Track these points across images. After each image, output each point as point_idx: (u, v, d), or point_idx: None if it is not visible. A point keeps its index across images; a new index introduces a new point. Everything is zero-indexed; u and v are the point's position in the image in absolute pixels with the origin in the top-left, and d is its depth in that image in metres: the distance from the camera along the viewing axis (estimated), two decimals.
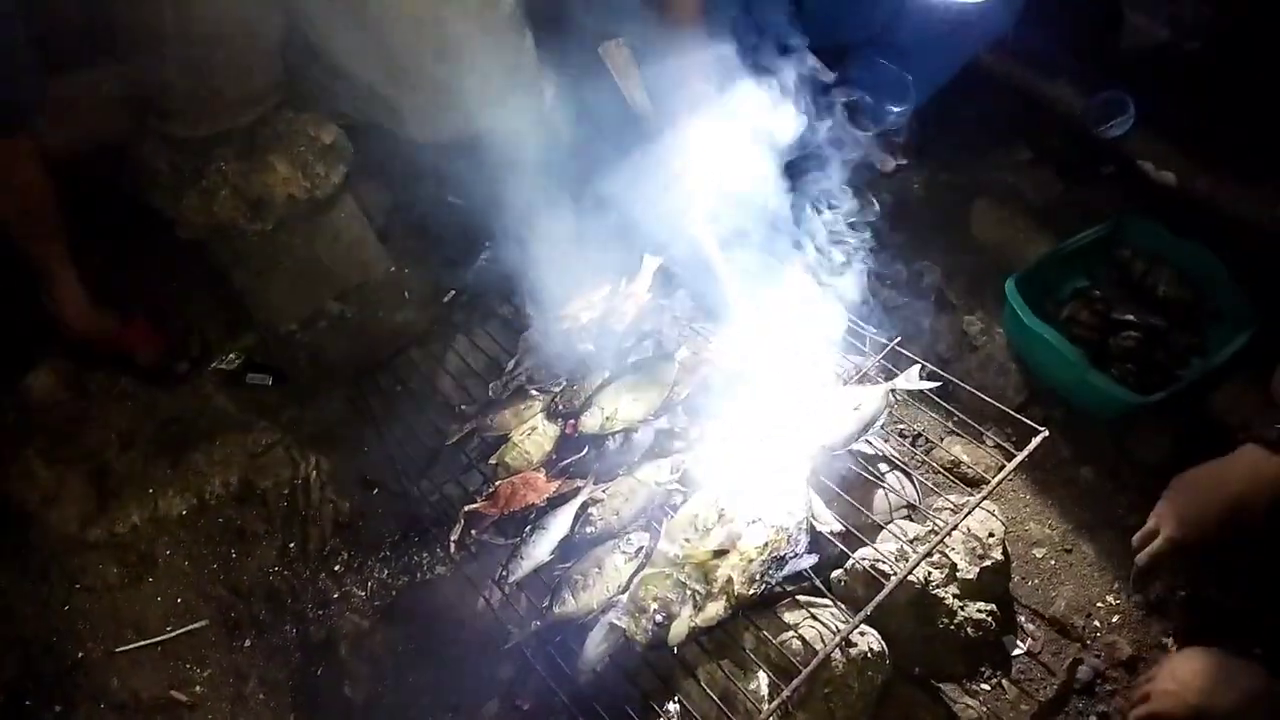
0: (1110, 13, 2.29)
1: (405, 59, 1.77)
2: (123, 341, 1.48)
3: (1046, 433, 1.32)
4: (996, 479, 1.28)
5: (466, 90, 1.79)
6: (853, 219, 1.75)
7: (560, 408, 1.43)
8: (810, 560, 1.18)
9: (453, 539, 1.27)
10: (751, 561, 1.14)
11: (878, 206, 1.77)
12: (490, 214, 1.67)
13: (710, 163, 1.60)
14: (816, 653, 1.11)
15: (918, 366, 1.49)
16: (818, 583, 1.21)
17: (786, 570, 1.16)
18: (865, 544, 1.25)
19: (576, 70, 1.87)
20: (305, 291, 1.54)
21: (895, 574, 1.17)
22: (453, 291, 1.70)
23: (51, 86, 1.52)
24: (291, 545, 1.41)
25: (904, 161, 2.02)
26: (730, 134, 1.63)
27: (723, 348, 1.47)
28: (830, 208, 1.79)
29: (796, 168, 1.63)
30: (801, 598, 1.20)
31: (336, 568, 1.39)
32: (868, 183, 1.99)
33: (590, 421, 1.38)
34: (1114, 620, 1.36)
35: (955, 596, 1.27)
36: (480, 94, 1.80)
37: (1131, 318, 1.60)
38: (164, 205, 1.46)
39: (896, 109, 1.94)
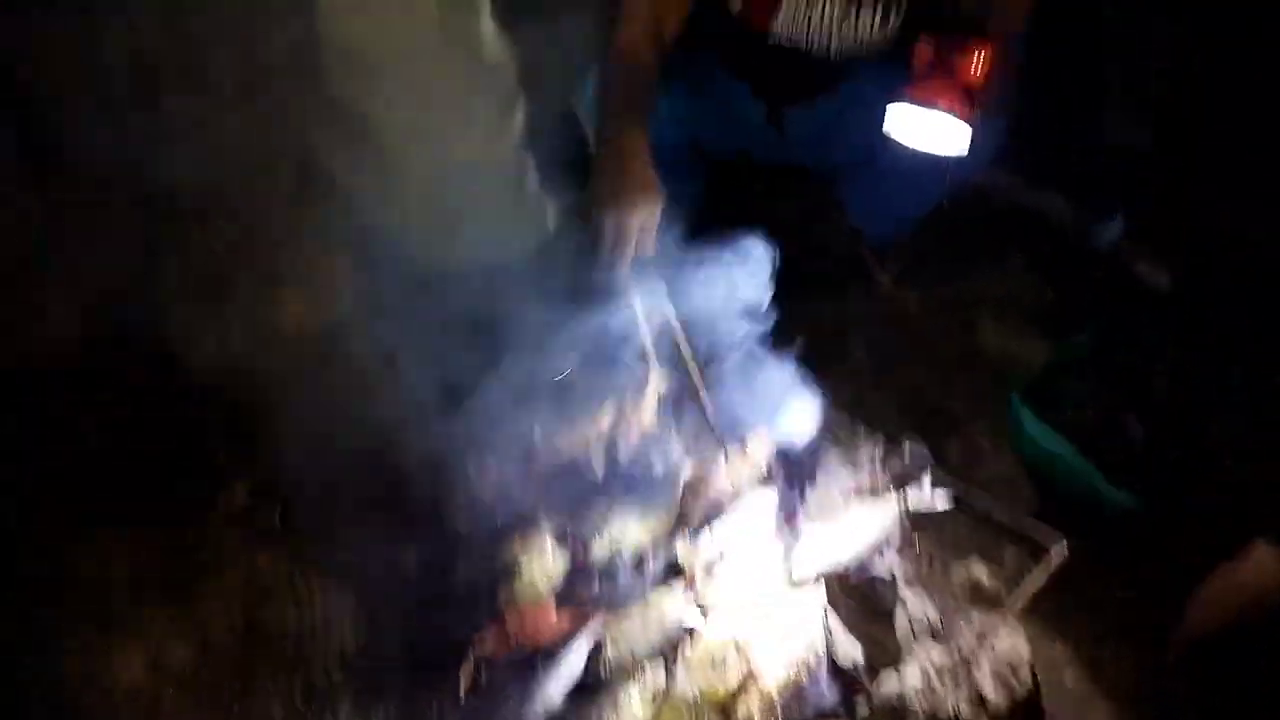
0: (1091, 125, 2.38)
1: (409, 188, 1.83)
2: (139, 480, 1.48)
3: (1065, 545, 1.31)
4: (1018, 597, 1.26)
5: (474, 218, 1.85)
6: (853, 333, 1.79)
7: (568, 534, 1.41)
8: (833, 694, 1.14)
9: (462, 679, 1.24)
10: (773, 699, 1.11)
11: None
12: (497, 338, 1.70)
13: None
14: None
15: (928, 479, 1.49)
16: (842, 717, 1.17)
17: (810, 706, 1.13)
18: (890, 672, 1.21)
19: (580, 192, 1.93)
20: (315, 422, 1.54)
21: (923, 710, 1.13)
22: (460, 416, 1.70)
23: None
24: (296, 687, 1.37)
25: (898, 277, 2.06)
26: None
27: (730, 468, 1.46)
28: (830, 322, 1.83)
29: (792, 279, 1.67)
30: None
31: (341, 713, 1.35)
32: (863, 300, 2.03)
33: (599, 549, 1.36)
34: None
35: None
36: (487, 221, 1.86)
37: (1139, 423, 1.60)
38: (178, 343, 1.49)
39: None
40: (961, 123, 1.39)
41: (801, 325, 1.69)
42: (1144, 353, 1.74)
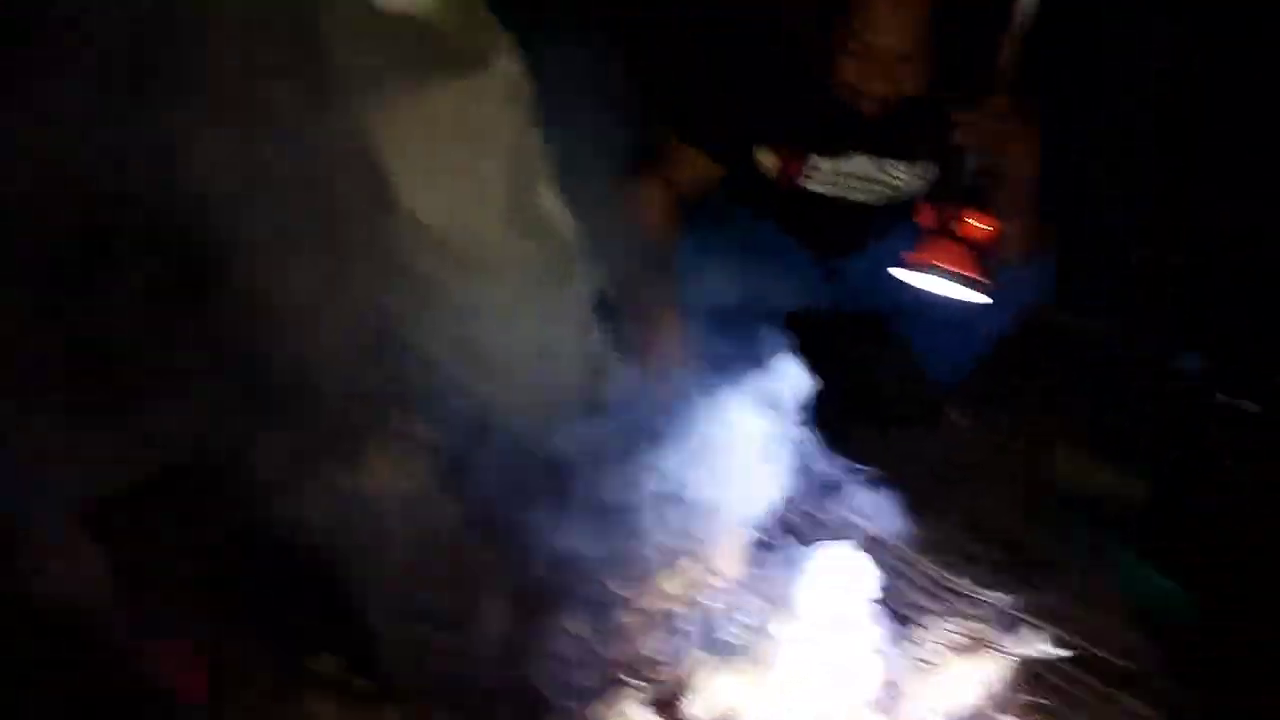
0: (1147, 255, 2.39)
1: (487, 354, 1.89)
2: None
3: (1191, 695, 1.21)
4: None
5: (551, 382, 1.90)
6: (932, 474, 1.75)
7: (657, 698, 1.36)
8: None
9: None
10: None
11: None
12: (574, 491, 1.70)
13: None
14: None
15: (1037, 631, 1.43)
16: None
17: None
18: None
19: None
20: (406, 585, 1.54)
21: None
22: (546, 571, 1.68)
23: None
24: None
25: (975, 415, 2.03)
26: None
27: (823, 623, 1.41)
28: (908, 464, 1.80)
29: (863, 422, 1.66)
30: None
31: None
32: (939, 439, 1.99)
33: (691, 712, 1.30)
34: None
35: None
36: (564, 384, 1.90)
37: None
38: (274, 510, 1.52)
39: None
40: (967, 282, 1.40)
41: (878, 468, 1.67)
42: (1242, 482, 1.67)
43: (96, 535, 1.49)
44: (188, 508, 1.63)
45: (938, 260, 1.40)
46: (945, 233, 1.41)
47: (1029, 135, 1.40)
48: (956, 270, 1.39)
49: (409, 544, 1.52)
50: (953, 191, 1.42)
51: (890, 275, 1.87)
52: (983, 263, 1.39)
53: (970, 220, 1.39)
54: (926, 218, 1.45)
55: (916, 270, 1.43)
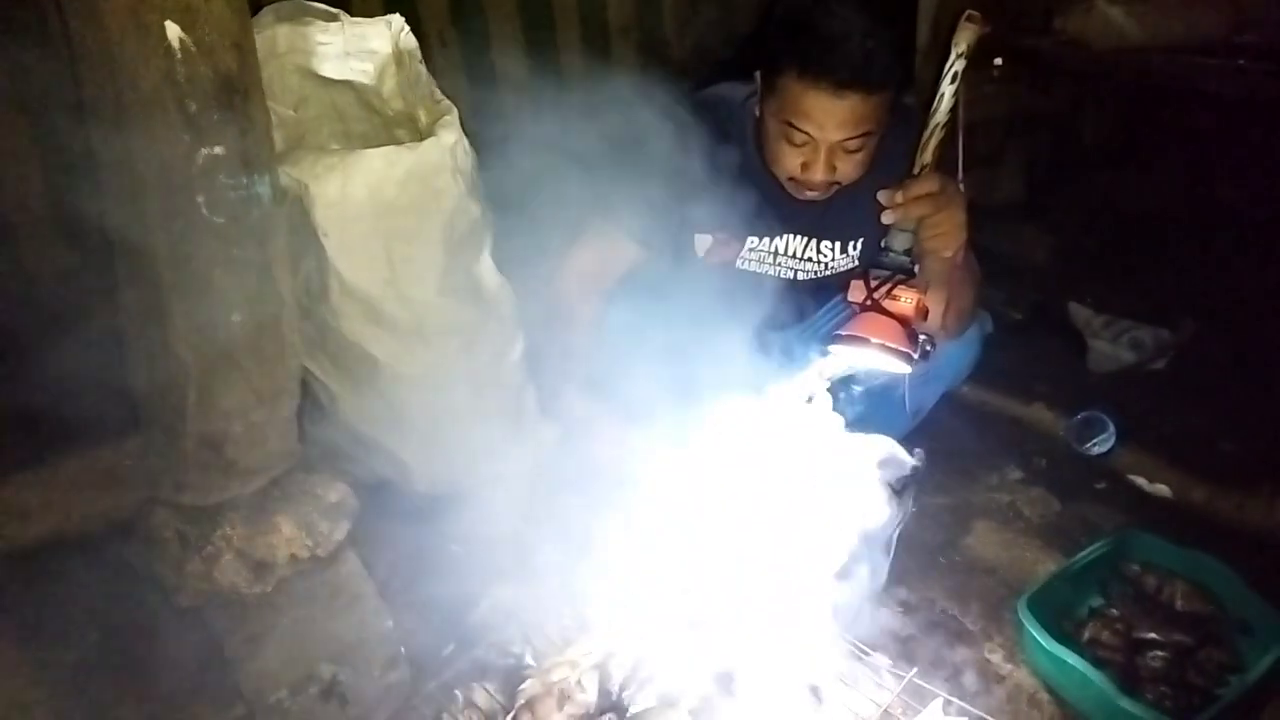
0: (1073, 340, 2.47)
1: (413, 419, 1.89)
2: None
3: None
4: None
5: (470, 444, 1.89)
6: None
7: None
8: None
9: None
10: None
11: None
12: (492, 560, 1.68)
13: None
14: None
15: (939, 701, 1.42)
16: None
17: None
18: None
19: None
20: (299, 654, 1.49)
21: None
22: (451, 645, 1.65)
23: (70, 466, 1.63)
24: None
25: (894, 489, 2.05)
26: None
27: (729, 692, 1.39)
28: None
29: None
30: None
31: None
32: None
33: None
34: None
35: None
36: (483, 446, 1.90)
37: (1155, 636, 1.53)
38: (166, 574, 1.47)
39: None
40: (896, 354, 1.44)
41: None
42: (1153, 560, 1.70)
43: None
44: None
45: (865, 333, 1.43)
46: (874, 307, 1.45)
47: (950, 217, 1.43)
48: (882, 342, 1.42)
49: (308, 605, 1.48)
50: (882, 267, 1.46)
51: (817, 349, 1.91)
52: (909, 335, 1.43)
53: (896, 294, 1.43)
54: (856, 292, 1.48)
55: (846, 344, 1.47)
